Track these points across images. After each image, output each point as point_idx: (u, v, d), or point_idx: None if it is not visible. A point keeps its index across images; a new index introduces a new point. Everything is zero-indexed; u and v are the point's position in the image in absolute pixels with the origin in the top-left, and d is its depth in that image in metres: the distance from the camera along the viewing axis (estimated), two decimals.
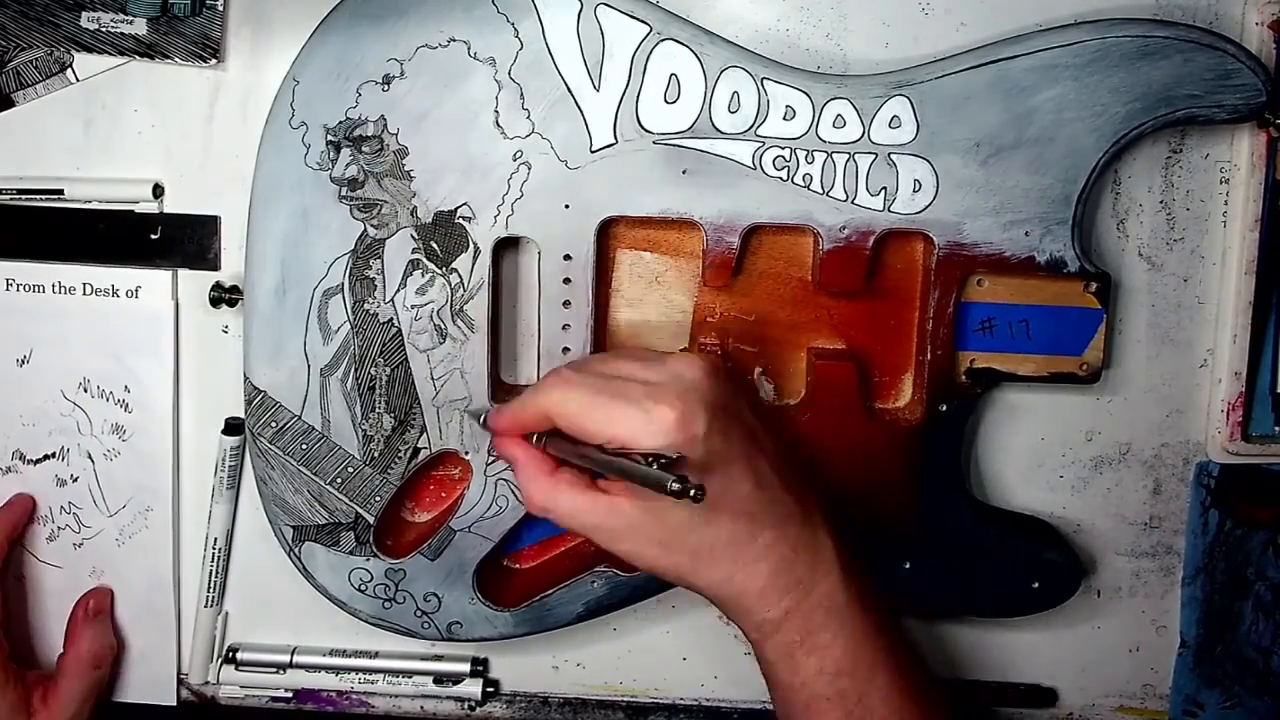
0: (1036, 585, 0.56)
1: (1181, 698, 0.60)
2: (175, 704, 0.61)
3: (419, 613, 0.56)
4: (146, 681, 0.60)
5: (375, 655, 0.60)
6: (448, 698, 0.61)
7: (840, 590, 0.47)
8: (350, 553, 0.55)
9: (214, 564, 0.59)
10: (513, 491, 0.55)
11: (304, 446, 0.54)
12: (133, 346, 0.57)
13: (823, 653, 0.46)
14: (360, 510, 0.55)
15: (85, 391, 0.58)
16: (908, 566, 0.55)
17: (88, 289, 0.57)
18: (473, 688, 0.60)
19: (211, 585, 0.59)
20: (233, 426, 0.57)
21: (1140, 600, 0.60)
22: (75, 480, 0.59)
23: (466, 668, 0.60)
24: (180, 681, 0.61)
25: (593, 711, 0.61)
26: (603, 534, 0.46)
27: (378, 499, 0.55)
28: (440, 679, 0.60)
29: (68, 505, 0.59)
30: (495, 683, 0.61)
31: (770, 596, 0.46)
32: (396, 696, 0.61)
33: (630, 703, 0.61)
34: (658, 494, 0.41)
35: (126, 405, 0.58)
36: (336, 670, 0.60)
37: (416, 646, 0.60)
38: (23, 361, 0.58)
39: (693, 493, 0.39)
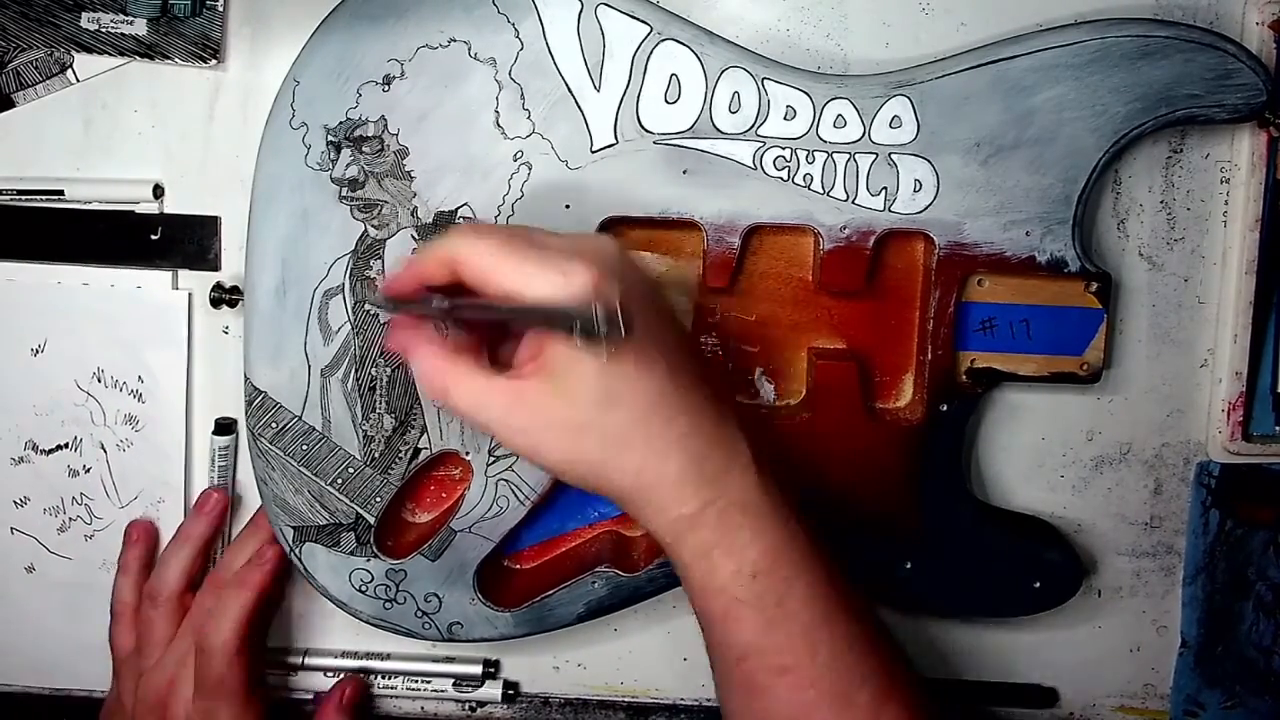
0: (1037, 585, 0.56)
1: (1182, 698, 0.60)
2: None
3: (420, 613, 0.56)
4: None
5: (387, 657, 0.60)
6: (461, 700, 0.61)
7: (757, 489, 0.44)
8: (351, 553, 0.55)
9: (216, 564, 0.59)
10: (514, 492, 0.55)
11: (304, 447, 0.54)
12: (146, 337, 0.57)
13: (740, 553, 0.43)
14: (361, 511, 0.55)
15: (99, 381, 0.58)
16: (908, 566, 0.55)
17: (87, 288, 0.57)
18: (493, 690, 0.60)
19: None
20: (223, 427, 0.57)
21: (1141, 600, 0.60)
22: (88, 471, 0.59)
23: (480, 669, 0.60)
24: None
25: (594, 712, 0.61)
26: (506, 428, 0.43)
27: (378, 499, 0.55)
28: (459, 682, 0.60)
29: (79, 496, 0.59)
30: (515, 685, 0.61)
31: (685, 490, 0.43)
32: (398, 697, 0.61)
33: (631, 703, 0.61)
34: (565, 371, 0.39)
35: (140, 396, 0.58)
36: (350, 673, 0.60)
37: (421, 647, 0.60)
38: (37, 351, 0.58)
39: (618, 328, 0.36)
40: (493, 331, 0.47)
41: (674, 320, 0.46)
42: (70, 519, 0.59)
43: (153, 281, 0.57)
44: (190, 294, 0.57)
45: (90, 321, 0.57)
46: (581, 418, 0.42)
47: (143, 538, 0.58)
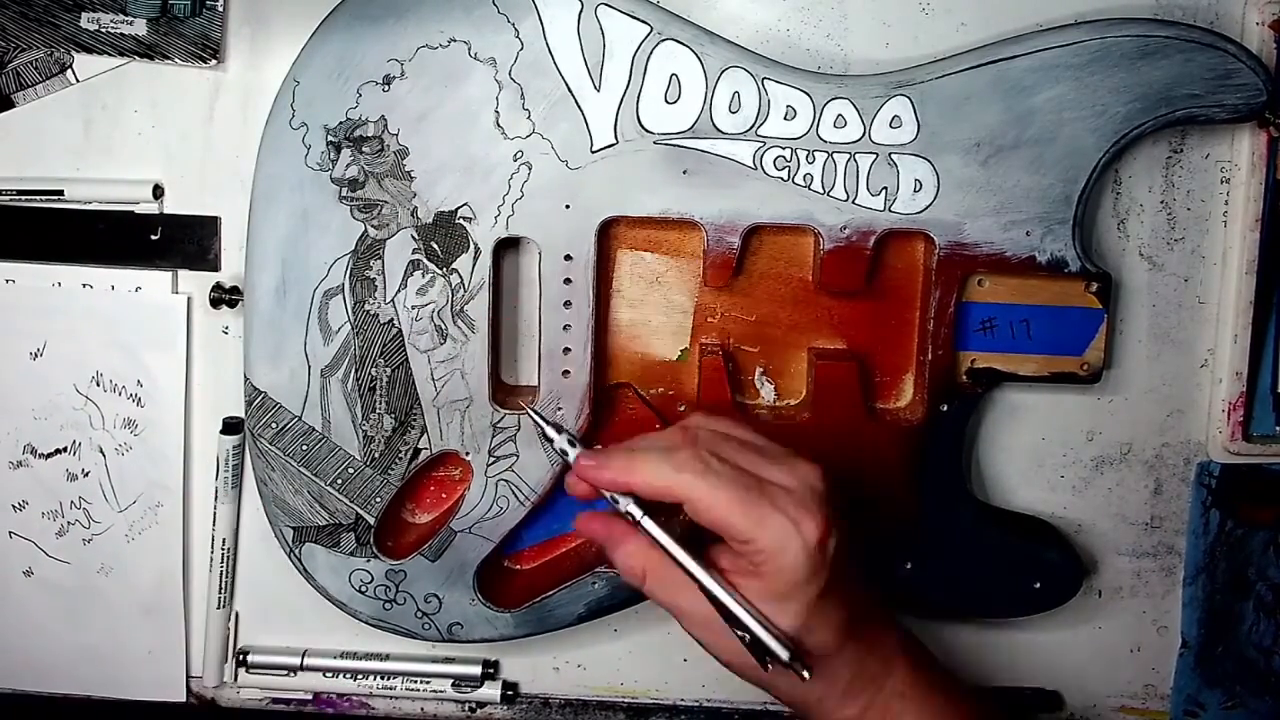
0: (1037, 585, 0.56)
1: (1183, 698, 0.60)
2: (184, 701, 0.61)
3: (419, 614, 0.56)
4: (155, 679, 0.60)
5: (386, 658, 0.60)
6: (460, 701, 0.61)
7: (911, 676, 0.47)
8: (351, 554, 0.55)
9: (224, 565, 0.59)
10: (514, 493, 0.55)
11: (304, 447, 0.54)
12: (145, 341, 0.57)
13: None
14: (361, 511, 0.55)
15: (98, 385, 0.58)
16: (908, 566, 0.55)
17: (87, 289, 0.57)
18: (492, 691, 0.60)
19: (222, 586, 0.59)
20: (230, 426, 0.57)
21: (1141, 600, 0.60)
22: (86, 475, 0.59)
23: (478, 670, 0.60)
24: (189, 682, 0.61)
25: (594, 712, 0.61)
26: (695, 624, 0.45)
27: (378, 500, 0.55)
28: (459, 683, 0.60)
29: (78, 500, 0.59)
30: (514, 685, 0.61)
31: (850, 697, 0.46)
32: (398, 698, 0.61)
33: (631, 704, 0.61)
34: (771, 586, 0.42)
35: (138, 400, 0.58)
36: (349, 673, 0.60)
37: (421, 647, 0.60)
38: (36, 355, 0.58)
39: (805, 673, 0.41)
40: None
41: (847, 529, 0.46)
42: (69, 523, 0.59)
43: (152, 282, 0.57)
44: (190, 297, 0.57)
45: (89, 324, 0.57)
46: None
47: None
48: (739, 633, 0.43)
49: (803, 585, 0.43)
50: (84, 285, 0.57)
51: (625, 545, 0.46)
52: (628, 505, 0.45)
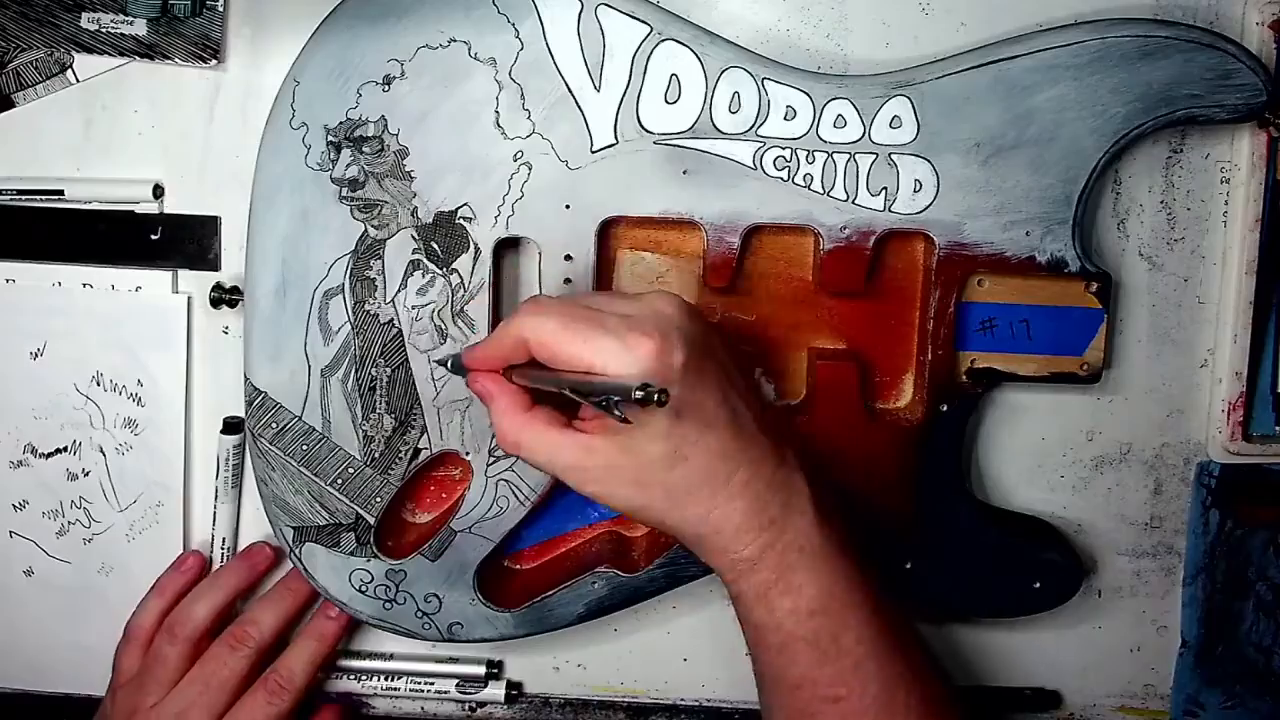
0: (1037, 585, 0.56)
1: (1182, 698, 0.60)
2: None
3: (420, 613, 0.56)
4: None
5: (390, 657, 0.60)
6: (461, 700, 0.61)
7: (815, 530, 0.46)
8: (351, 554, 0.55)
9: (224, 564, 0.59)
10: (514, 492, 0.55)
11: (304, 447, 0.54)
12: (145, 340, 0.57)
13: (797, 593, 0.46)
14: (361, 511, 0.55)
15: (98, 385, 0.58)
16: (908, 566, 0.55)
17: (88, 289, 0.57)
18: (496, 691, 0.60)
19: None
20: (231, 425, 0.57)
21: (1141, 600, 0.60)
22: (87, 475, 0.59)
23: (482, 670, 0.60)
24: None
25: (594, 712, 0.61)
26: (576, 474, 0.45)
27: (378, 500, 0.55)
28: (462, 683, 0.60)
29: (78, 500, 0.59)
30: (518, 685, 0.61)
31: (745, 535, 0.46)
32: (398, 698, 0.61)
33: (631, 703, 0.61)
34: (629, 428, 0.42)
35: (139, 400, 0.58)
36: (354, 673, 0.60)
37: (422, 647, 0.60)
38: (37, 354, 0.58)
39: (657, 397, 0.38)
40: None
41: (735, 372, 0.48)
42: (69, 523, 0.59)
43: (153, 282, 0.57)
44: (190, 297, 0.57)
45: (90, 324, 0.57)
46: (647, 475, 0.45)
47: (194, 569, 0.58)
48: (597, 400, 0.42)
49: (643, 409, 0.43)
50: (84, 285, 0.57)
51: (498, 401, 0.47)
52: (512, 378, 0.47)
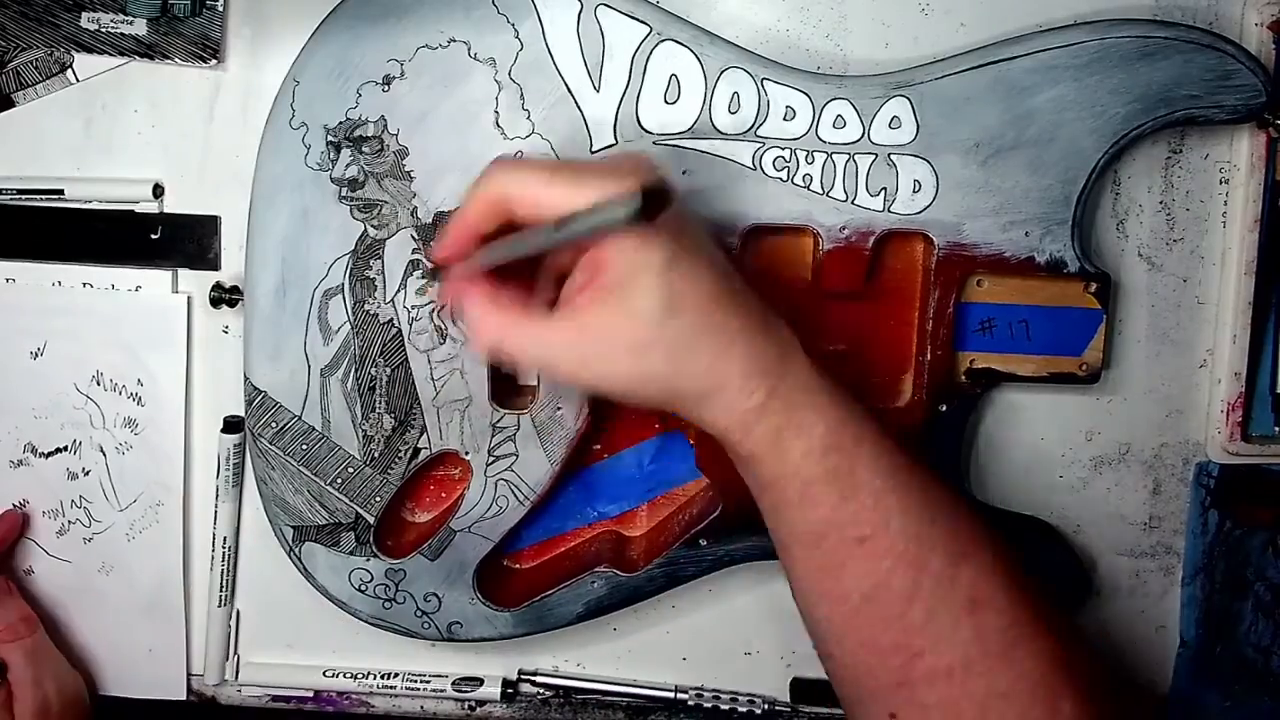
0: None
1: (1181, 698, 0.60)
2: (184, 699, 0.61)
3: (419, 613, 0.56)
4: (156, 677, 0.60)
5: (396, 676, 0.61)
6: (460, 699, 0.61)
7: (813, 371, 0.46)
8: (350, 553, 0.55)
9: (224, 563, 0.59)
10: (513, 492, 0.55)
11: (304, 447, 0.54)
12: (145, 340, 0.57)
13: (809, 432, 0.45)
14: (360, 510, 0.55)
15: (98, 385, 0.58)
16: None
17: (88, 289, 0.57)
18: (492, 690, 0.60)
19: (223, 584, 0.59)
20: (231, 425, 0.57)
21: (1140, 600, 0.60)
22: (87, 474, 0.59)
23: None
24: (190, 680, 0.61)
25: (593, 712, 0.61)
26: (571, 362, 0.44)
27: (378, 499, 0.55)
28: (459, 683, 0.60)
29: (78, 499, 0.59)
30: (514, 684, 0.61)
31: (751, 381, 0.44)
32: (398, 696, 0.61)
33: (631, 703, 0.61)
34: (627, 284, 0.41)
35: (139, 399, 0.58)
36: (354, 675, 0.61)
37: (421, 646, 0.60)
38: (37, 354, 0.58)
39: (664, 193, 0.36)
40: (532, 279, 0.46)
41: (709, 230, 0.46)
42: (69, 522, 0.59)
43: (153, 282, 0.57)
44: (190, 297, 0.57)
45: (89, 324, 0.57)
46: (647, 332, 0.42)
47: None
48: (591, 214, 0.39)
49: (634, 259, 0.42)
50: (84, 285, 0.57)
51: (474, 299, 0.45)
52: (480, 256, 0.44)
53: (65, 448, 0.59)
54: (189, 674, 0.61)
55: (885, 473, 0.45)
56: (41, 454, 0.59)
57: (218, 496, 0.58)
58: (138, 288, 0.57)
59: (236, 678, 0.61)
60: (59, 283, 0.57)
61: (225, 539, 0.59)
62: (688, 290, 0.43)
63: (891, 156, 0.52)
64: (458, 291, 0.45)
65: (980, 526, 0.47)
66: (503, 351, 0.44)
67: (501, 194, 0.43)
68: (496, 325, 0.44)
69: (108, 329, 0.57)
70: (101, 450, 0.59)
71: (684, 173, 0.52)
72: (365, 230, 0.53)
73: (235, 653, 0.61)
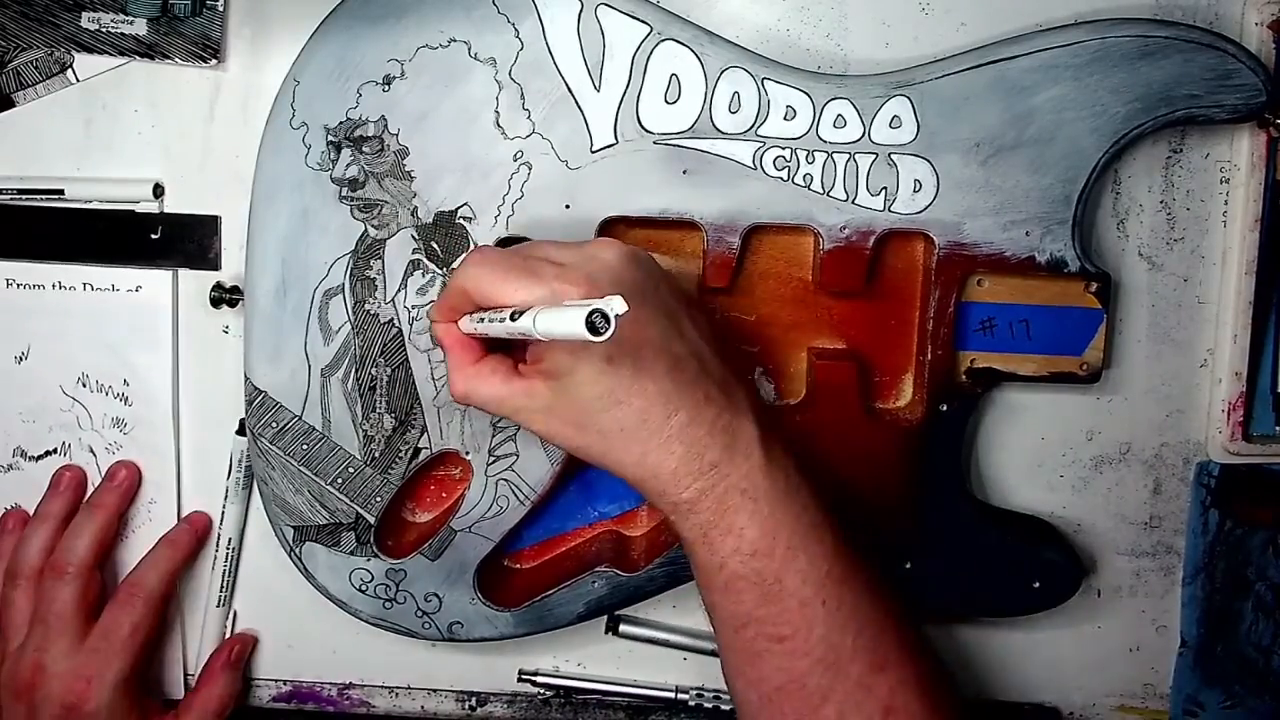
0: (1037, 585, 0.56)
1: (1182, 697, 0.60)
2: (183, 699, 0.61)
3: (420, 613, 0.56)
4: (155, 676, 0.60)
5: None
6: (464, 700, 0.61)
7: (759, 473, 0.46)
8: (351, 553, 0.55)
9: (227, 564, 0.59)
10: (514, 492, 0.55)
11: (305, 447, 0.54)
12: (129, 339, 0.58)
13: (738, 534, 0.46)
14: (361, 510, 0.55)
15: (84, 386, 0.58)
16: (908, 566, 0.55)
17: (88, 289, 0.57)
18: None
19: (224, 585, 0.59)
20: (245, 426, 0.57)
21: (1140, 600, 0.60)
22: None
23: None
24: (187, 680, 0.61)
25: (593, 711, 0.61)
26: (521, 415, 0.47)
27: (378, 499, 0.55)
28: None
29: None
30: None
31: (682, 479, 0.46)
32: (398, 695, 0.61)
33: (631, 703, 0.61)
34: (568, 374, 0.44)
35: (126, 399, 0.58)
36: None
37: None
38: (21, 358, 0.58)
39: (595, 323, 0.37)
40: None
41: (684, 316, 0.47)
42: None
43: (152, 281, 0.57)
44: (176, 294, 0.57)
45: (73, 326, 0.57)
46: (583, 417, 0.45)
47: (71, 485, 0.58)
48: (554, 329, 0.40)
49: (579, 352, 0.44)
50: (84, 284, 0.57)
51: (449, 353, 0.48)
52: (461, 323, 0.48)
53: (55, 450, 0.59)
54: (185, 674, 0.61)
55: (816, 583, 0.46)
56: (31, 457, 0.59)
57: (226, 497, 0.58)
58: (138, 287, 0.57)
59: None
60: (59, 283, 0.57)
61: (230, 540, 0.59)
62: (626, 389, 0.45)
63: (892, 156, 0.52)
64: (439, 341, 0.49)
65: (910, 638, 0.48)
66: (467, 401, 0.48)
67: (463, 289, 0.46)
68: (463, 379, 0.47)
69: (91, 330, 0.57)
70: (91, 451, 0.59)
71: (684, 172, 0.52)
72: (365, 230, 0.53)
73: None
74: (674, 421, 0.45)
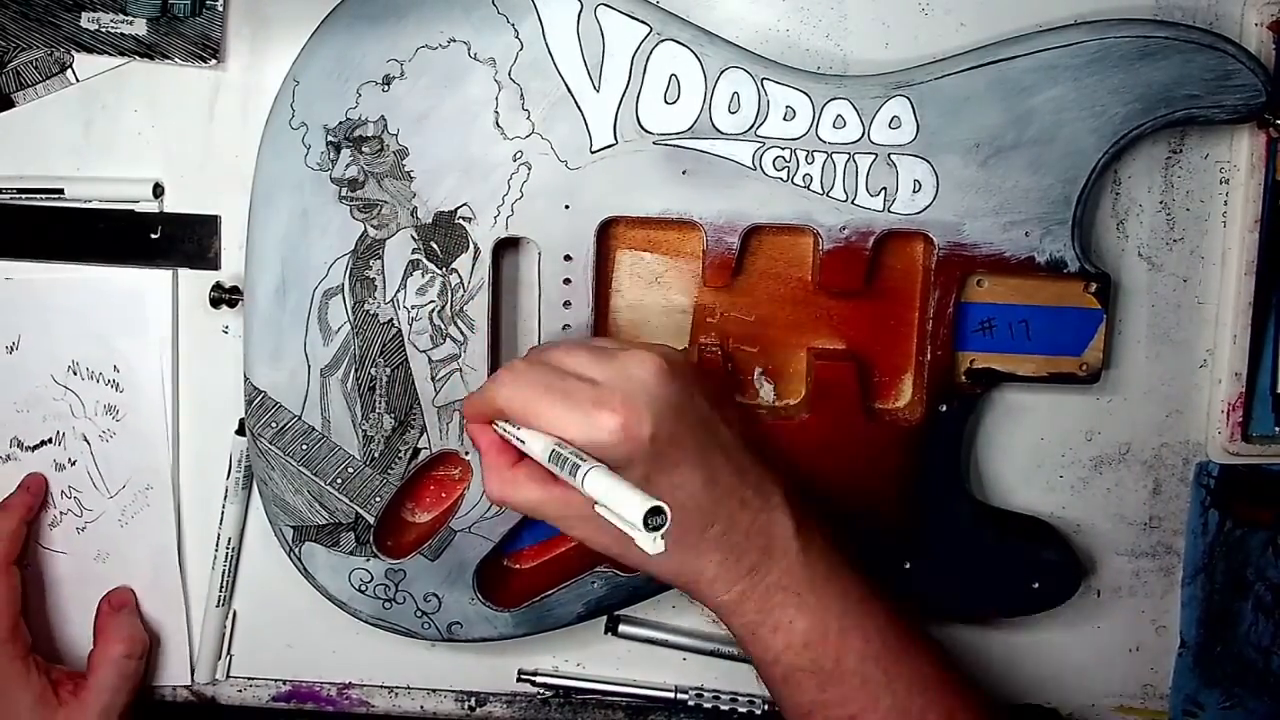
0: (1036, 585, 0.56)
1: (1181, 698, 0.60)
2: (185, 699, 0.61)
3: (419, 613, 0.56)
4: (160, 663, 0.61)
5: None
6: (464, 700, 0.61)
7: (799, 568, 0.47)
8: (350, 553, 0.55)
9: (227, 563, 0.59)
10: None
11: (304, 447, 0.54)
12: (117, 326, 0.58)
13: (787, 629, 0.47)
14: (360, 511, 0.55)
15: (75, 374, 0.58)
16: (908, 566, 0.55)
17: (86, 287, 0.57)
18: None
19: (224, 584, 0.59)
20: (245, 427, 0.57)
21: (1140, 600, 0.60)
22: (73, 464, 0.59)
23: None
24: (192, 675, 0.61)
25: (593, 711, 0.61)
26: (559, 522, 0.47)
27: (378, 499, 0.55)
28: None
29: (68, 490, 0.59)
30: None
31: (721, 584, 0.47)
32: (398, 695, 0.61)
33: (630, 702, 0.61)
34: None
35: (117, 385, 0.58)
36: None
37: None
38: (11, 348, 0.58)
39: (651, 522, 0.39)
40: None
41: (719, 423, 0.48)
42: (61, 513, 0.60)
43: (152, 280, 0.57)
44: (176, 294, 0.58)
45: (61, 315, 0.58)
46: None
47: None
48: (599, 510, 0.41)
49: (621, 473, 0.43)
50: (83, 283, 0.57)
51: (485, 456, 0.48)
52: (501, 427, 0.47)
53: (50, 440, 0.59)
54: (189, 673, 0.61)
55: (873, 657, 0.47)
56: (28, 448, 0.59)
57: (226, 496, 0.58)
58: (137, 287, 0.57)
59: (227, 678, 0.61)
60: (58, 283, 0.57)
61: (230, 540, 0.59)
62: (668, 502, 0.44)
63: (891, 156, 0.52)
64: (474, 441, 0.49)
65: (955, 677, 0.49)
66: (506, 505, 0.47)
67: (497, 408, 0.46)
68: (499, 484, 0.47)
69: (79, 318, 0.57)
70: (85, 439, 0.59)
71: (684, 173, 0.52)
72: (365, 230, 0.53)
73: (229, 653, 0.61)
74: (710, 533, 0.46)
